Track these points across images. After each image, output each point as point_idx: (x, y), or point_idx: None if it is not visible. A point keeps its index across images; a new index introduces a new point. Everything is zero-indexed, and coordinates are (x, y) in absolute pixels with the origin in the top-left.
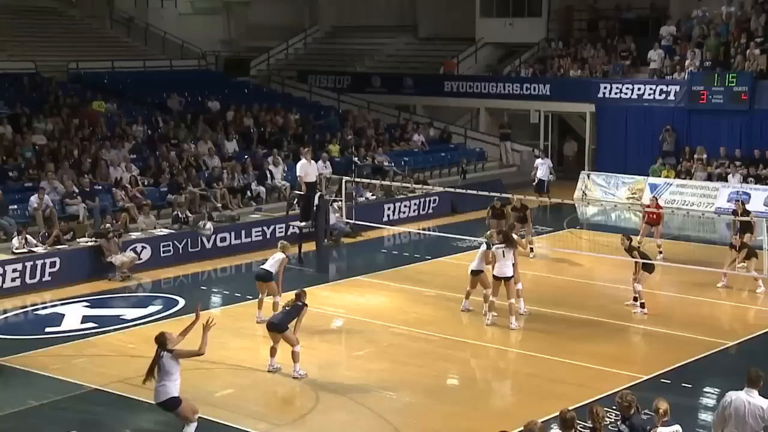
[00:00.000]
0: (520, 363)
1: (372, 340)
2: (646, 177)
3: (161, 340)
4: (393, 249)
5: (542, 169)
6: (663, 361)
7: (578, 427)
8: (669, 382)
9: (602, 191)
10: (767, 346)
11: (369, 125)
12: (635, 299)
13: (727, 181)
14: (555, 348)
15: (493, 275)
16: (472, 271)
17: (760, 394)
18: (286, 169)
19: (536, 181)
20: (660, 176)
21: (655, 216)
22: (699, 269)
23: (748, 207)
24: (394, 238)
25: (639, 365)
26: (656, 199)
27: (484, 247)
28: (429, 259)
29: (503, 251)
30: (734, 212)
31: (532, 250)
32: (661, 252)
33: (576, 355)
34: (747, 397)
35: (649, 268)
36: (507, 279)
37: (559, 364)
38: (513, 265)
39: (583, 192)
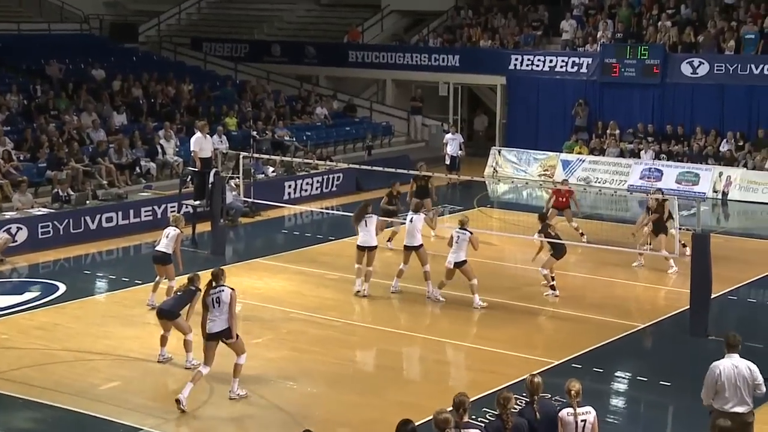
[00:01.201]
0: (428, 349)
1: (270, 326)
2: (558, 153)
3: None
4: (294, 229)
5: (452, 144)
6: (574, 346)
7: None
8: (580, 366)
9: (513, 168)
10: (678, 327)
11: (268, 97)
12: (553, 288)
13: (639, 157)
14: (464, 333)
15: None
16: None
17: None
18: (178, 143)
19: (447, 157)
20: (573, 152)
21: (563, 200)
22: (611, 249)
23: (659, 185)
24: (295, 217)
25: (549, 350)
26: (567, 183)
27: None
28: (332, 239)
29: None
30: (648, 209)
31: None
32: (582, 234)
33: (485, 340)
34: (732, 363)
35: (558, 253)
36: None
37: (469, 349)
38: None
39: (494, 169)
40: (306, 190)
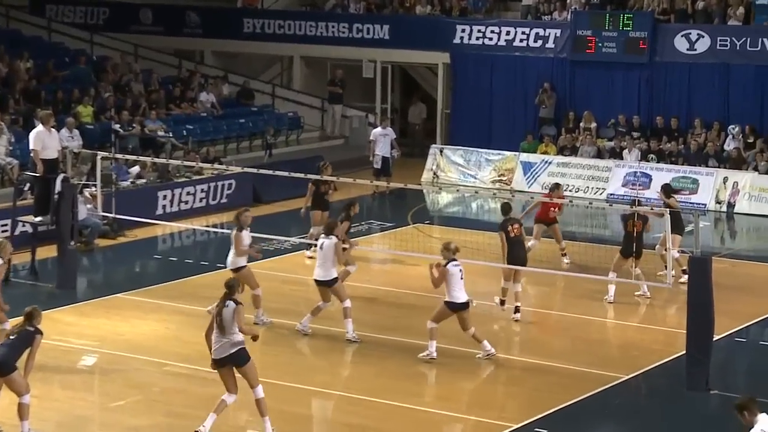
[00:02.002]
0: (344, 410)
1: (138, 384)
2: (517, 153)
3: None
4: (170, 254)
5: (382, 142)
6: (538, 404)
7: None
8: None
9: (460, 172)
10: (671, 379)
11: (136, 79)
12: (503, 302)
13: (622, 158)
14: (392, 388)
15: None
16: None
17: None
18: (12, 140)
19: (376, 159)
20: (536, 152)
21: (553, 212)
22: (586, 277)
23: (646, 194)
24: (172, 238)
25: (507, 410)
26: (559, 187)
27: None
28: (221, 267)
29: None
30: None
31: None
32: (565, 254)
33: (421, 398)
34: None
35: (512, 259)
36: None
37: (398, 409)
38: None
39: (434, 173)
40: (186, 202)
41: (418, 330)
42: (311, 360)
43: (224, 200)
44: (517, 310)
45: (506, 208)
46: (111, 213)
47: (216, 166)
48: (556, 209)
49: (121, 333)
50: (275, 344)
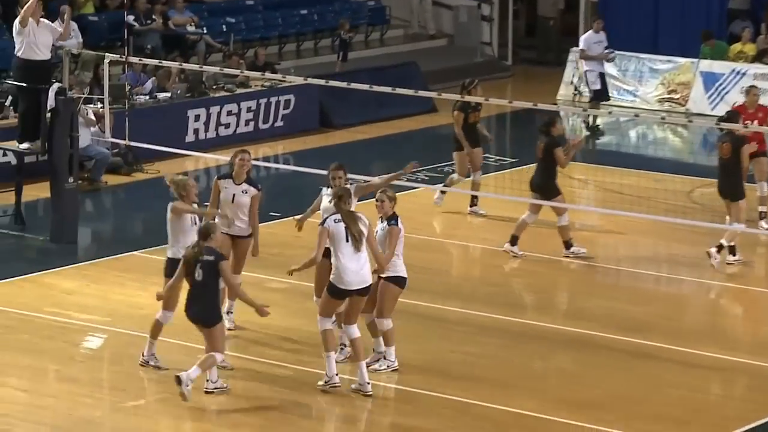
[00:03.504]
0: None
1: (161, 376)
2: (694, 61)
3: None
4: (204, 196)
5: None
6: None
7: None
8: None
9: (613, 87)
10: None
11: None
12: (719, 249)
13: None
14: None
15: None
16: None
17: None
18: None
19: (590, 76)
20: (723, 57)
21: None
22: None
23: None
24: (207, 174)
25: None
26: (756, 95)
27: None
28: (277, 216)
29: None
30: None
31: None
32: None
33: (570, 407)
34: None
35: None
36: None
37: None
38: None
39: (576, 89)
40: (227, 126)
41: (545, 310)
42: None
43: (279, 123)
44: None
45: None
46: (123, 139)
47: (268, 75)
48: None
49: (138, 305)
50: None
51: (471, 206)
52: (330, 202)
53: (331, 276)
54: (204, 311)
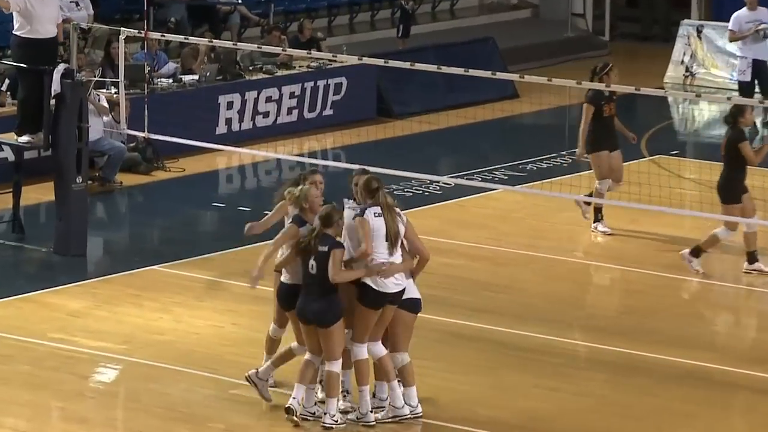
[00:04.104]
0: None
1: (188, 415)
2: None
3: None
4: (238, 199)
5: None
6: None
7: None
8: None
9: (731, 67)
10: None
11: None
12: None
13: None
14: None
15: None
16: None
17: None
18: None
19: (741, 65)
20: None
21: None
22: None
23: None
24: (242, 174)
25: None
26: None
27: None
28: None
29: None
30: None
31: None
32: None
33: None
34: None
35: None
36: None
37: None
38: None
39: (688, 69)
40: (266, 114)
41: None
42: None
43: (329, 111)
44: None
45: None
46: (142, 131)
47: (315, 54)
48: None
49: (158, 330)
50: None
51: (595, 220)
52: (355, 218)
53: (361, 282)
54: (319, 308)
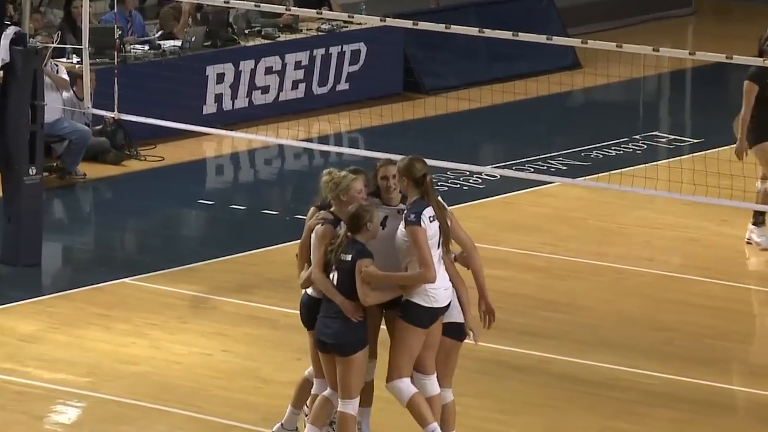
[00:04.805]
0: None
1: None
2: None
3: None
4: (231, 195)
5: None
6: None
7: None
8: None
9: None
10: None
11: None
12: None
13: None
14: None
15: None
16: None
17: None
18: None
19: None
20: None
21: None
22: None
23: None
24: (235, 162)
25: None
26: None
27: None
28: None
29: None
30: None
31: None
32: None
33: None
34: None
35: None
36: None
37: None
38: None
39: None
40: (265, 90)
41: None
42: None
43: (343, 86)
44: None
45: None
46: (111, 110)
47: (327, 13)
48: None
49: (129, 358)
50: None
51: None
52: (407, 227)
53: (405, 297)
54: (338, 333)
